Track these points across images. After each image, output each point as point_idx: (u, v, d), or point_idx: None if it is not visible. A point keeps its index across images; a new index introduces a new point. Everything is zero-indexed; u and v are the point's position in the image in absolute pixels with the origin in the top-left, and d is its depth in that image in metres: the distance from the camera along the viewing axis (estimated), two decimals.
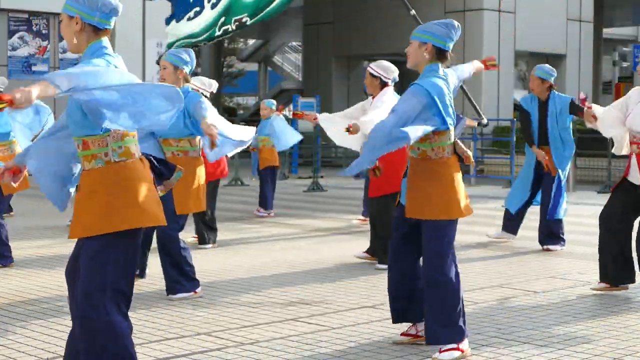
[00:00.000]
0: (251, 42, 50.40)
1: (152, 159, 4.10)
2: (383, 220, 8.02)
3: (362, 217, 11.49)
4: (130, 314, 6.04)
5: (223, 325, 5.71)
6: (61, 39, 18.28)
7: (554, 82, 9.26)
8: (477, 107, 11.66)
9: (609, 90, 34.75)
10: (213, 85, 9.70)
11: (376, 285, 7.11)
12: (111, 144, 3.87)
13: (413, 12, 11.42)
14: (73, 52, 4.00)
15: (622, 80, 31.54)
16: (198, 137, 6.84)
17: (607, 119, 6.80)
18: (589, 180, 17.42)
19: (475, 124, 12.67)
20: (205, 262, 8.22)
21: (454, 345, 4.95)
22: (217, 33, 16.44)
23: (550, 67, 9.33)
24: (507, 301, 6.54)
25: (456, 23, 5.12)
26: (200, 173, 6.80)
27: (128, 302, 3.95)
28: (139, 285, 6.95)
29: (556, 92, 9.23)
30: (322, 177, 18.86)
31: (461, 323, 5.00)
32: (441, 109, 4.96)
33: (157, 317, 5.95)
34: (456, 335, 4.97)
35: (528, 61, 28.71)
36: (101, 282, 3.84)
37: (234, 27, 15.71)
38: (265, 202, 12.32)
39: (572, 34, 26.83)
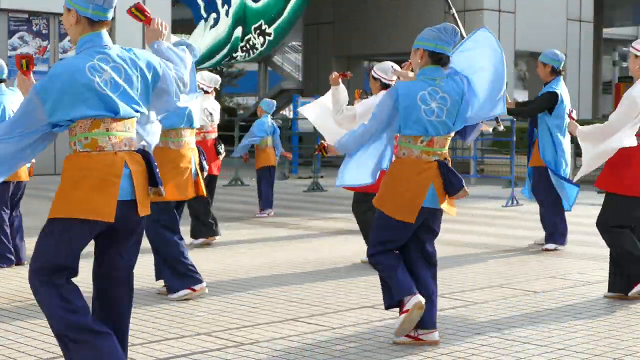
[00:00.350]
0: None
1: (150, 160, 4.10)
2: (359, 215, 8.18)
3: None
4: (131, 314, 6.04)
5: (223, 325, 5.71)
6: (61, 38, 18.29)
7: (555, 67, 9.12)
8: None
9: (609, 90, 34.76)
10: (214, 80, 9.63)
11: (376, 285, 7.09)
12: (78, 134, 3.98)
13: (453, 11, 11.35)
14: (73, 44, 4.11)
15: (622, 80, 31.52)
16: (179, 130, 6.81)
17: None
18: (589, 180, 17.40)
19: (490, 128, 12.68)
20: (205, 262, 8.22)
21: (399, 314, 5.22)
22: (241, 43, 16.31)
23: (555, 52, 9.23)
24: (507, 301, 6.54)
25: (451, 25, 5.17)
26: (175, 164, 6.72)
27: (70, 275, 4.04)
28: (140, 285, 6.94)
29: (560, 79, 9.15)
30: (322, 177, 18.85)
31: (398, 296, 5.20)
32: (400, 112, 5.12)
33: (157, 317, 5.95)
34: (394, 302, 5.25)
35: (528, 61, 28.71)
36: (40, 261, 4.00)
37: (256, 36, 15.66)
38: (264, 202, 12.30)
39: (572, 34, 26.84)
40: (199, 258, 8.35)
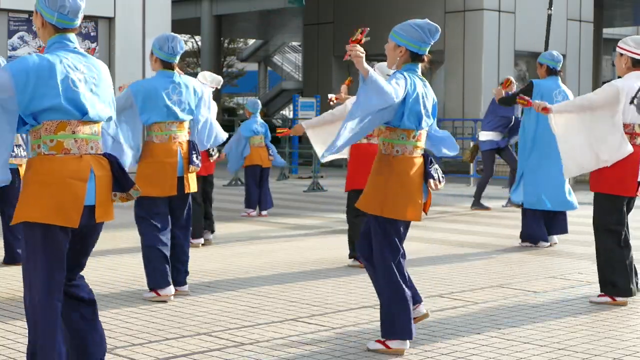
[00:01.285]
0: (251, 42, 50.45)
1: (117, 164, 4.07)
2: (350, 217, 8.12)
3: None
4: (130, 314, 6.05)
5: (223, 325, 5.71)
6: None
7: (550, 66, 9.30)
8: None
9: None
10: (216, 80, 9.64)
11: None
12: (43, 136, 3.95)
13: (551, 11, 11.40)
14: (43, 42, 4.13)
15: None
16: (162, 124, 6.66)
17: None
18: (588, 181, 17.41)
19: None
20: (205, 262, 8.22)
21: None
22: None
23: (552, 52, 9.43)
24: (507, 301, 6.54)
25: (434, 26, 5.12)
26: (157, 159, 6.61)
27: (60, 292, 3.99)
28: (140, 285, 6.95)
29: (556, 78, 9.31)
30: (322, 177, 18.85)
31: (396, 336, 5.09)
32: (407, 103, 5.01)
33: (157, 317, 5.95)
34: None
35: (528, 61, 28.75)
36: (30, 273, 3.95)
37: None
38: (247, 200, 12.29)
39: (572, 34, 26.85)
40: (199, 258, 8.35)
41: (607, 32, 35.25)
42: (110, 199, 4.08)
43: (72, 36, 4.09)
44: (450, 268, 7.97)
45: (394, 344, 5.05)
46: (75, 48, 4.06)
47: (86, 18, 17.63)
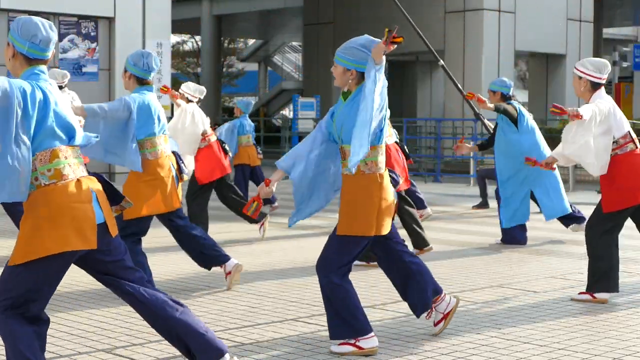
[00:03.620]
0: (251, 42, 50.48)
1: (103, 179, 4.09)
2: None
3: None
4: (130, 313, 6.04)
5: (223, 325, 5.71)
6: (61, 39, 18.28)
7: (504, 93, 9.77)
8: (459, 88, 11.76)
9: (609, 90, 34.80)
10: (199, 90, 9.75)
11: (376, 285, 7.11)
12: (39, 167, 3.92)
13: (442, 62, 11.49)
14: (11, 72, 4.09)
15: (622, 80, 31.54)
16: (154, 139, 6.61)
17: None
18: (588, 180, 17.42)
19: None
20: None
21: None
22: None
23: (503, 79, 9.81)
24: (507, 301, 6.54)
25: (368, 40, 5.22)
26: (155, 175, 6.59)
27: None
28: None
29: (511, 102, 9.65)
30: None
31: (356, 335, 5.11)
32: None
33: None
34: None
35: (528, 61, 28.76)
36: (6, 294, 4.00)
37: None
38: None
39: (572, 34, 26.86)
40: None
41: (607, 32, 35.28)
42: (111, 213, 4.13)
43: (44, 68, 4.05)
44: (450, 268, 7.97)
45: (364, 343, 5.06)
46: (46, 79, 4.03)
47: (86, 18, 17.64)
